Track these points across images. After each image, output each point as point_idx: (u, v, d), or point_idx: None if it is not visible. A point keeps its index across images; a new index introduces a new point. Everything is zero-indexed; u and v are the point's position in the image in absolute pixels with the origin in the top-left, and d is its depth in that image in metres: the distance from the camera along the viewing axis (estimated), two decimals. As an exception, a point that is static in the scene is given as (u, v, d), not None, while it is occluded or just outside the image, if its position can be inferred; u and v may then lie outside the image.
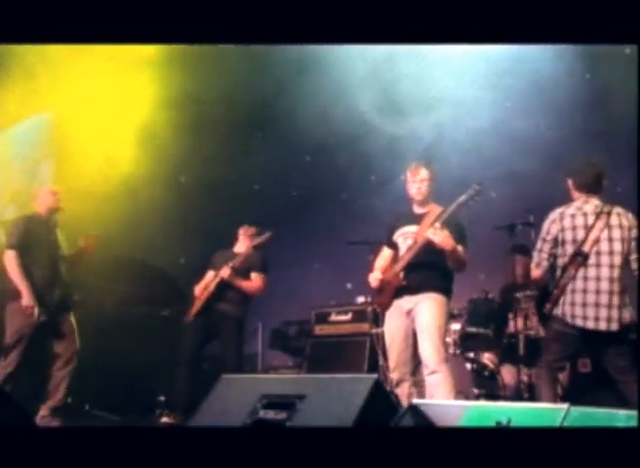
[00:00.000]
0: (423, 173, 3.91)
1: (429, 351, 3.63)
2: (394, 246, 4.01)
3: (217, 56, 6.71)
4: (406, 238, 3.90)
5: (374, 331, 5.38)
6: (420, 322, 3.71)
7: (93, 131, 7.30)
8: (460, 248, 3.77)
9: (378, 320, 5.31)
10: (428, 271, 3.76)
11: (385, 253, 4.11)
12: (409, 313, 3.79)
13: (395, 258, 3.96)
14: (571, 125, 5.93)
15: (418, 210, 3.97)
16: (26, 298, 4.36)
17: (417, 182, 3.89)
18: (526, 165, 6.11)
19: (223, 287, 4.90)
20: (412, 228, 3.89)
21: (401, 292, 3.81)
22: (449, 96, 6.52)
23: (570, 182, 3.78)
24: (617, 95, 5.52)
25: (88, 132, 7.30)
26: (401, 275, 3.78)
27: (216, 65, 6.96)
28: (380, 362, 4.94)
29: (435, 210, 3.86)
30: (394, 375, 3.81)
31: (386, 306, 3.88)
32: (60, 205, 4.76)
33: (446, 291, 3.85)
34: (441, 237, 3.58)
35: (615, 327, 3.48)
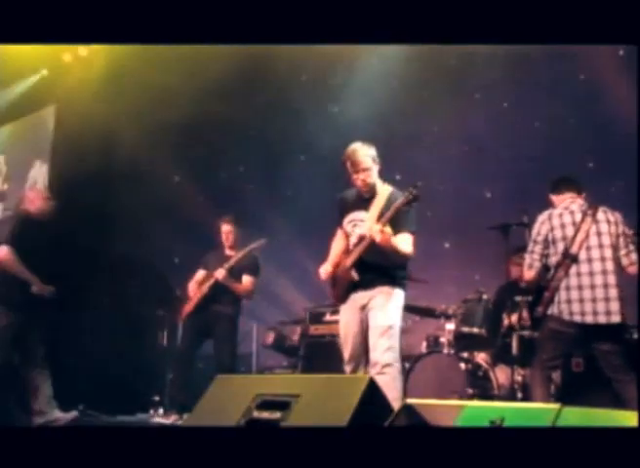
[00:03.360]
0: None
1: (380, 350, 3.58)
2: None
3: (210, 55, 6.70)
4: (354, 225, 3.81)
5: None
6: (373, 321, 3.65)
7: (89, 131, 7.29)
8: (406, 234, 3.65)
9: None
10: (381, 265, 3.67)
11: (338, 233, 3.98)
12: (363, 308, 3.73)
13: (346, 247, 3.85)
14: (565, 126, 5.95)
15: (366, 194, 3.82)
16: (38, 284, 4.48)
17: (360, 172, 3.73)
18: (520, 165, 6.13)
19: (216, 287, 4.92)
20: (360, 214, 3.79)
21: (356, 286, 3.73)
22: (445, 96, 6.54)
23: (561, 188, 3.88)
24: (610, 96, 5.54)
25: (83, 132, 7.29)
26: (352, 270, 3.68)
27: (210, 64, 6.95)
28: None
29: (383, 192, 3.75)
30: (347, 368, 3.78)
31: (342, 299, 3.81)
32: (51, 209, 4.81)
33: (400, 283, 3.75)
34: (380, 237, 3.49)
35: (616, 319, 3.51)
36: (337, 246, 3.98)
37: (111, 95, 7.33)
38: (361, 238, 3.71)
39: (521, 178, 5.92)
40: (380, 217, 3.61)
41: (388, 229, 3.55)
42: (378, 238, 3.50)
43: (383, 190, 3.79)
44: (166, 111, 7.22)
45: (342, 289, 3.79)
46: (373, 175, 3.78)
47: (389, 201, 3.69)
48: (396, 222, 3.60)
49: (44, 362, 4.62)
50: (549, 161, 5.56)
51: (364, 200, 3.82)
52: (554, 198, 3.94)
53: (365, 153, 3.74)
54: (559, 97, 5.90)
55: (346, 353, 3.81)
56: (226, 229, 5.14)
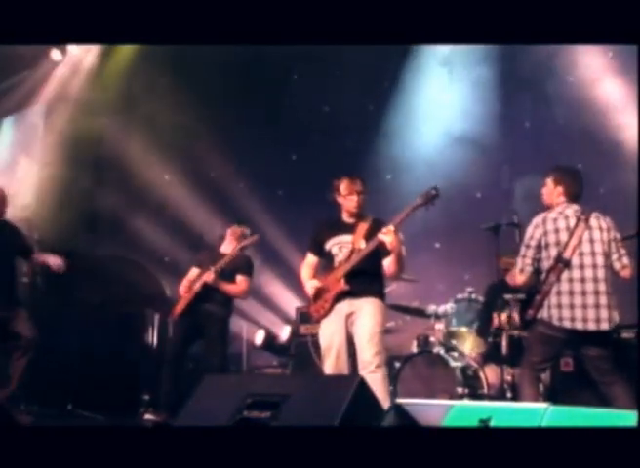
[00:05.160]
0: (359, 185, 3.96)
1: (370, 353, 3.69)
2: (323, 254, 4.03)
3: (201, 54, 6.68)
4: (341, 247, 3.93)
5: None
6: (363, 325, 3.76)
7: (77, 129, 7.26)
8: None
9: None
10: (369, 277, 3.84)
11: (311, 260, 4.11)
12: (349, 316, 3.83)
13: (330, 265, 3.97)
14: (554, 127, 5.98)
15: (349, 220, 3.99)
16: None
17: (354, 194, 3.92)
18: (510, 165, 6.16)
19: (208, 287, 4.89)
20: (346, 237, 3.92)
21: (342, 296, 3.84)
22: (437, 98, 6.57)
23: (560, 189, 3.78)
24: (599, 98, 5.57)
25: (72, 130, 7.26)
26: (342, 280, 3.81)
27: (200, 64, 6.94)
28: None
29: (367, 219, 3.92)
30: None
31: (327, 311, 3.88)
32: (4, 208, 4.81)
33: (383, 296, 3.95)
34: (393, 238, 3.61)
35: (604, 326, 3.51)
36: (309, 265, 4.11)
37: (103, 94, 7.31)
38: (351, 254, 3.84)
39: (511, 179, 5.95)
40: (366, 239, 3.79)
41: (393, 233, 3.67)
42: (389, 239, 3.60)
43: (366, 217, 3.97)
44: (156, 110, 7.20)
45: (331, 300, 3.87)
46: (364, 200, 3.97)
47: (373, 225, 3.83)
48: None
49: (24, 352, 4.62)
50: (539, 161, 5.59)
51: (348, 225, 3.97)
52: (550, 180, 3.83)
53: (361, 180, 3.98)
54: (549, 98, 5.94)
55: (329, 364, 3.84)
56: (236, 235, 5.10)
